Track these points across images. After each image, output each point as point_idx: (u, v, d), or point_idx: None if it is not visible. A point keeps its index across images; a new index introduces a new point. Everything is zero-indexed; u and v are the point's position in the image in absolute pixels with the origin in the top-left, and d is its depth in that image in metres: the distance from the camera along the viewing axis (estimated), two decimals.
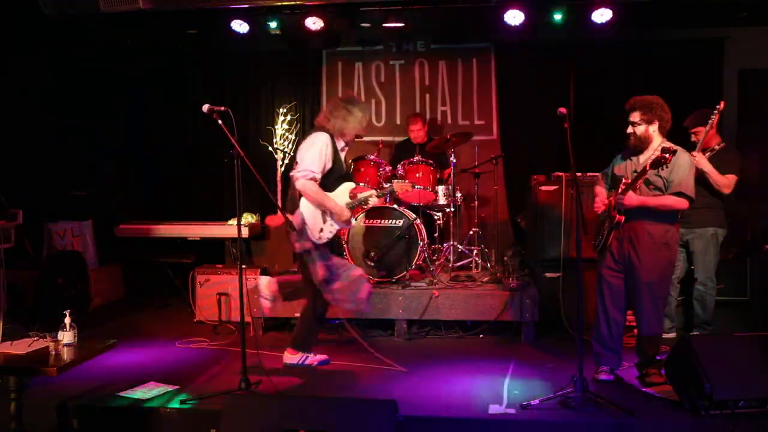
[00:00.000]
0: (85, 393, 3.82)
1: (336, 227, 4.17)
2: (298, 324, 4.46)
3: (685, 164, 3.77)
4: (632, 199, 3.75)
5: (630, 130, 3.90)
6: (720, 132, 4.90)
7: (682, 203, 3.77)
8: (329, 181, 4.12)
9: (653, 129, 3.85)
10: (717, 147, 4.75)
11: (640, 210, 3.80)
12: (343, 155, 4.23)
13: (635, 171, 3.85)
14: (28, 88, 6.05)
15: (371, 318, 5.15)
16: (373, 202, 4.43)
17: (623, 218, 3.83)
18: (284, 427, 2.95)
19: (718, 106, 4.54)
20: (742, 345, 3.59)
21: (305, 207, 4.08)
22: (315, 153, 4.02)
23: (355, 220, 4.31)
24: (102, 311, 6.17)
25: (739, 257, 5.54)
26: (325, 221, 4.09)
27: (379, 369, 4.35)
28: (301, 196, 4.08)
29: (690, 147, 4.36)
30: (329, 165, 4.08)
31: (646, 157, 3.87)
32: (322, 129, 4.13)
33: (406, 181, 4.89)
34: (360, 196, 4.29)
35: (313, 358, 4.37)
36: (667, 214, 3.83)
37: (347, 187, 4.23)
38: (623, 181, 3.86)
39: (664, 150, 3.53)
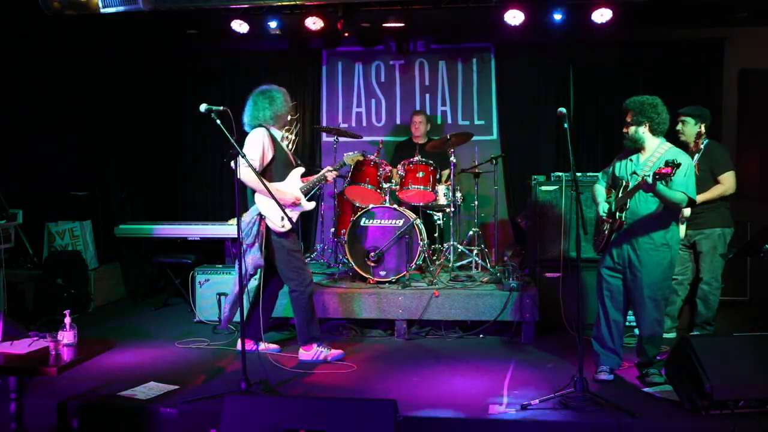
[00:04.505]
0: (85, 393, 3.81)
1: (296, 211, 4.37)
2: (295, 317, 4.54)
3: (683, 168, 3.73)
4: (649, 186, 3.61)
5: (624, 129, 3.95)
6: (719, 132, 4.90)
7: (684, 201, 3.74)
8: (277, 169, 4.34)
9: (643, 130, 3.86)
10: (702, 147, 4.76)
11: (641, 212, 3.81)
12: (284, 144, 4.46)
13: (635, 172, 3.86)
14: (27, 88, 6.04)
15: (371, 318, 5.15)
16: (331, 176, 4.62)
17: (624, 222, 3.82)
18: (284, 427, 2.95)
19: (702, 124, 4.67)
20: (742, 345, 3.59)
21: (260, 202, 4.25)
22: (253, 145, 4.24)
23: (311, 202, 4.53)
24: (102, 311, 6.17)
25: (739, 257, 5.54)
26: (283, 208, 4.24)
27: (379, 369, 4.36)
28: (253, 194, 4.27)
29: (675, 136, 4.38)
30: (270, 154, 4.29)
31: (645, 158, 3.88)
32: (256, 126, 4.34)
33: (355, 152, 5.07)
34: (314, 177, 4.52)
35: (327, 353, 4.45)
36: (668, 215, 3.83)
37: (297, 172, 4.46)
38: (624, 183, 3.86)
39: (667, 164, 3.45)
